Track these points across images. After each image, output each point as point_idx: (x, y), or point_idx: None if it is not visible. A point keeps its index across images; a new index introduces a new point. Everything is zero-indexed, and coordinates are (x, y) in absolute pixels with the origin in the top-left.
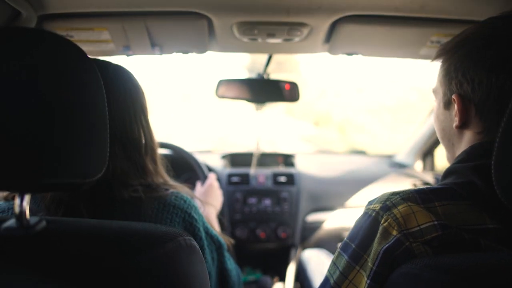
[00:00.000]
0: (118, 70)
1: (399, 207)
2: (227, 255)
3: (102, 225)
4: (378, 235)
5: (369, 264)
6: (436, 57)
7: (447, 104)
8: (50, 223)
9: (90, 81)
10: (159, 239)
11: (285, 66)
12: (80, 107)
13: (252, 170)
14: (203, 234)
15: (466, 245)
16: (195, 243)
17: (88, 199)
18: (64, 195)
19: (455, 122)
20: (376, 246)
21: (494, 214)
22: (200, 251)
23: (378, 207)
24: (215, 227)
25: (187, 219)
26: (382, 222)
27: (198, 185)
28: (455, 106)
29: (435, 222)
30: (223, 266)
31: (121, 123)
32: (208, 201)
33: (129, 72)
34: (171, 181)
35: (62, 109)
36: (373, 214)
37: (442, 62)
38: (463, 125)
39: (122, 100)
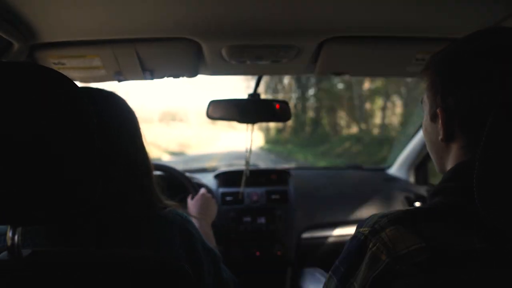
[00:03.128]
0: (111, 97)
1: (387, 231)
2: (223, 267)
3: (94, 255)
4: (367, 260)
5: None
6: (422, 72)
7: (433, 117)
8: (42, 255)
9: (79, 111)
10: (152, 267)
11: None
12: (69, 138)
13: (241, 189)
14: (200, 248)
15: (454, 266)
16: (188, 269)
17: (84, 224)
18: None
19: (440, 135)
20: (365, 272)
21: (480, 234)
22: (192, 277)
23: (367, 231)
24: (211, 239)
25: (185, 234)
26: (370, 247)
27: (189, 200)
28: (440, 119)
29: (423, 244)
30: (219, 277)
31: (117, 147)
32: (201, 214)
33: (121, 98)
34: (166, 200)
35: (50, 141)
36: (362, 238)
37: (428, 75)
38: (448, 139)
39: (116, 125)
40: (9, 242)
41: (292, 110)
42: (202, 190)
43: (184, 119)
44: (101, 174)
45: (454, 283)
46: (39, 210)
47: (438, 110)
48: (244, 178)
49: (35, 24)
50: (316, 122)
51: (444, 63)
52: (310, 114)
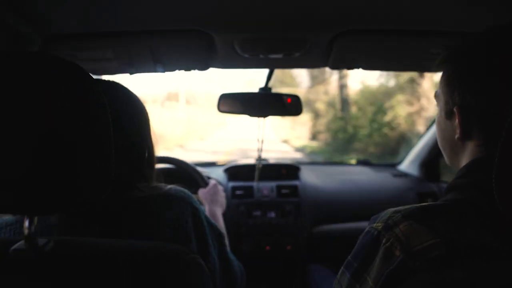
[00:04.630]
0: (123, 90)
1: (401, 226)
2: (228, 247)
3: (109, 245)
4: (380, 255)
5: (370, 283)
6: (438, 66)
7: (448, 114)
8: (58, 244)
9: (95, 104)
10: (166, 258)
11: None
12: (86, 130)
13: (255, 183)
14: (204, 222)
15: (470, 262)
16: (201, 261)
17: (93, 213)
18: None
19: (457, 134)
20: (379, 267)
21: (495, 231)
22: (206, 269)
23: (380, 227)
24: (221, 225)
25: (190, 208)
26: (384, 242)
27: (200, 191)
28: (457, 118)
29: (438, 240)
30: (225, 255)
31: (127, 138)
32: (213, 202)
33: (132, 92)
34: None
35: (67, 133)
36: (375, 233)
37: (444, 70)
38: (465, 137)
39: (128, 118)
40: (26, 231)
41: None
42: (213, 181)
43: (179, 100)
44: (115, 164)
45: (469, 279)
46: (54, 200)
47: (455, 109)
48: (257, 172)
49: (48, 15)
50: None
51: (462, 57)
52: None
